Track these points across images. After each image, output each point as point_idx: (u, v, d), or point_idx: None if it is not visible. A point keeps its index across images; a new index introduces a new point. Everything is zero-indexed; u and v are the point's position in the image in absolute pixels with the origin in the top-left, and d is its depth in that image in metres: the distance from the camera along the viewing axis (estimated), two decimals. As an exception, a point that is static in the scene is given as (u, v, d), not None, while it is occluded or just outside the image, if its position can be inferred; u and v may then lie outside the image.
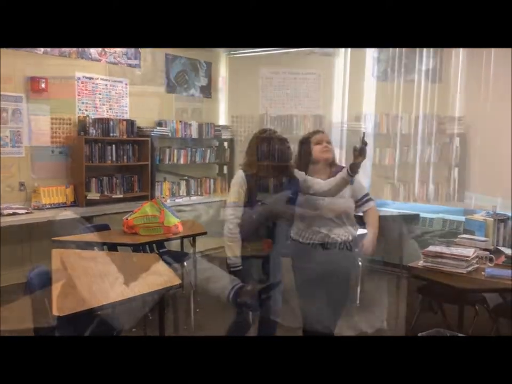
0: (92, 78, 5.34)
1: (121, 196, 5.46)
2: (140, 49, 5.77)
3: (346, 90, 5.93)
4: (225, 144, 6.69)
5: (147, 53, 5.88)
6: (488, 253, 3.10)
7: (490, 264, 2.95)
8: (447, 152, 5.43)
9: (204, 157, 6.43)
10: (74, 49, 5.13)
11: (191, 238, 4.11)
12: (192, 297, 3.94)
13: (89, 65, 5.31)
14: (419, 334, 2.07)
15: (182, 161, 6.16)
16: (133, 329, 3.31)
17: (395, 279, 4.50)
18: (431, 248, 3.02)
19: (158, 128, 5.82)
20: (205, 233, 4.07)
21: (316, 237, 2.67)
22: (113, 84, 5.56)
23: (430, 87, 5.45)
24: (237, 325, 2.76)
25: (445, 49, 5.29)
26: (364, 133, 2.51)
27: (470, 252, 2.93)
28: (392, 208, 5.42)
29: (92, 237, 3.78)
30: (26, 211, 4.56)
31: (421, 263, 2.98)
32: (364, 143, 2.38)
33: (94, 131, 5.19)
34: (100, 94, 5.43)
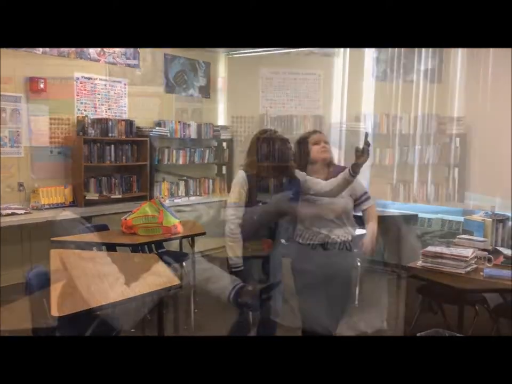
0: (91, 78, 5.33)
1: (120, 196, 5.45)
2: (138, 49, 5.77)
3: (345, 91, 5.93)
4: (224, 144, 6.69)
5: (146, 53, 5.87)
6: (487, 253, 3.10)
7: (488, 265, 2.95)
8: (447, 152, 5.44)
9: (202, 157, 6.42)
10: (73, 49, 5.13)
11: (190, 238, 4.11)
12: (192, 298, 3.94)
13: (88, 65, 5.31)
14: (418, 334, 2.07)
15: (181, 162, 6.16)
16: (132, 330, 3.31)
17: (394, 280, 4.50)
18: (430, 248, 3.02)
19: (157, 128, 5.82)
20: (203, 234, 4.06)
21: (315, 237, 2.66)
22: (112, 84, 5.55)
23: (429, 87, 5.46)
24: (239, 325, 2.76)
25: (445, 49, 5.30)
26: (367, 133, 2.48)
27: (468, 252, 2.93)
28: (390, 209, 5.42)
29: (91, 237, 3.78)
30: (25, 211, 4.55)
31: (419, 263, 2.99)
32: (367, 144, 2.37)
33: (93, 131, 5.18)
34: (98, 94, 5.42)
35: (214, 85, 6.71)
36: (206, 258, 4.49)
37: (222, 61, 6.74)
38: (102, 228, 4.06)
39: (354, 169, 2.42)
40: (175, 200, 5.94)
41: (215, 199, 6.29)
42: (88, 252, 3.35)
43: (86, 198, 5.09)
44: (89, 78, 5.31)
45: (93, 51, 5.33)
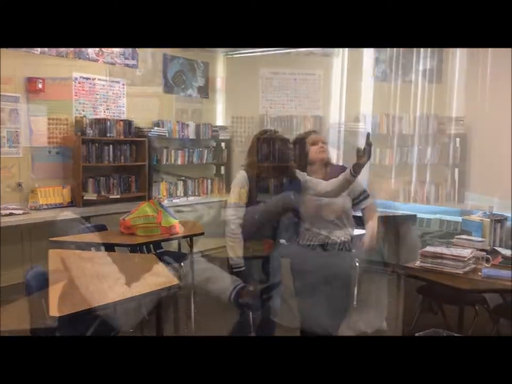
0: (89, 78, 5.33)
1: (118, 197, 5.44)
2: (137, 49, 5.76)
3: (345, 91, 5.93)
4: (223, 144, 6.68)
5: (145, 53, 5.87)
6: (485, 253, 3.10)
7: (487, 265, 2.95)
8: (447, 152, 5.44)
9: (201, 157, 6.42)
10: (72, 49, 5.12)
11: (189, 238, 4.10)
12: (192, 298, 3.93)
13: (87, 65, 5.30)
14: (416, 334, 2.07)
15: (179, 162, 6.16)
16: (130, 330, 3.30)
17: (393, 280, 4.50)
18: (428, 248, 3.02)
19: (155, 128, 5.81)
20: (202, 234, 4.06)
21: (316, 238, 2.66)
22: (111, 84, 5.54)
23: (429, 87, 5.46)
24: (240, 326, 2.76)
25: (445, 49, 5.30)
26: (368, 133, 2.46)
27: (467, 253, 2.93)
28: (388, 209, 5.42)
29: (89, 237, 3.77)
30: (23, 211, 4.55)
31: (418, 263, 2.99)
32: (369, 144, 2.36)
33: (91, 131, 5.17)
34: (97, 94, 5.42)
35: (212, 85, 6.71)
36: (206, 259, 4.48)
37: (221, 61, 6.73)
38: (100, 228, 4.05)
39: (356, 170, 2.41)
40: (174, 200, 5.94)
41: (213, 199, 6.29)
42: (87, 252, 3.34)
43: (84, 198, 5.08)
44: (87, 78, 5.30)
45: (91, 51, 5.32)
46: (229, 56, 6.65)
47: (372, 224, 2.75)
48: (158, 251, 4.20)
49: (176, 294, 3.73)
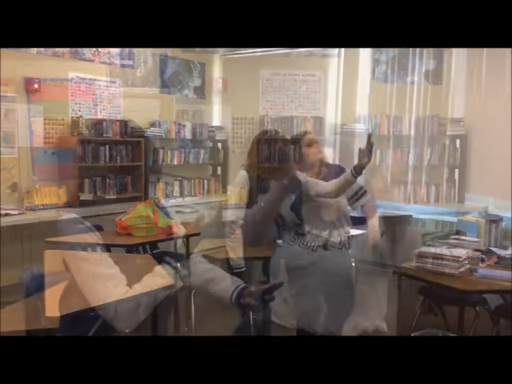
0: (85, 79, 5.31)
1: (114, 197, 5.43)
2: (134, 49, 5.75)
3: (345, 92, 5.94)
4: (219, 145, 6.68)
5: (141, 53, 5.86)
6: (480, 253, 3.11)
7: (482, 265, 2.97)
8: (447, 153, 5.46)
9: (197, 157, 6.42)
10: (68, 49, 5.10)
11: (185, 238, 4.09)
12: (192, 299, 3.92)
13: (83, 65, 5.28)
14: (412, 334, 2.07)
15: (175, 162, 6.15)
16: (126, 331, 3.28)
17: (390, 280, 4.50)
18: (423, 249, 3.03)
19: (151, 128, 5.80)
20: (198, 234, 4.05)
21: (316, 240, 2.65)
22: (107, 85, 5.53)
23: (429, 88, 5.48)
24: (241, 327, 2.75)
25: (445, 50, 5.32)
26: (370, 134, 2.45)
27: (462, 253, 2.94)
28: (382, 209, 5.43)
29: (85, 237, 3.76)
30: (18, 212, 4.53)
31: (413, 264, 2.99)
32: (370, 144, 2.36)
33: (87, 131, 5.16)
34: (93, 94, 5.40)
35: (208, 85, 6.71)
36: (206, 259, 4.47)
37: (217, 62, 6.73)
38: (96, 229, 4.04)
39: (357, 170, 2.40)
40: (170, 201, 5.93)
41: (209, 199, 6.28)
42: (83, 252, 3.33)
43: (80, 198, 5.07)
44: (83, 79, 5.29)
45: (87, 51, 5.30)
46: (225, 56, 6.64)
47: (373, 221, 2.75)
48: (154, 251, 4.20)
49: (176, 294, 3.72)
